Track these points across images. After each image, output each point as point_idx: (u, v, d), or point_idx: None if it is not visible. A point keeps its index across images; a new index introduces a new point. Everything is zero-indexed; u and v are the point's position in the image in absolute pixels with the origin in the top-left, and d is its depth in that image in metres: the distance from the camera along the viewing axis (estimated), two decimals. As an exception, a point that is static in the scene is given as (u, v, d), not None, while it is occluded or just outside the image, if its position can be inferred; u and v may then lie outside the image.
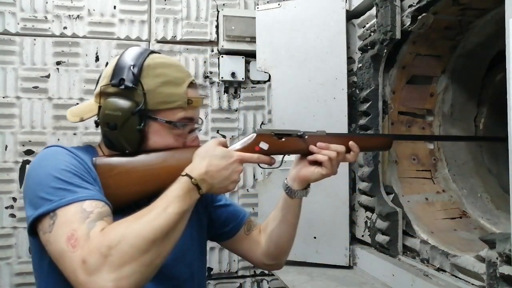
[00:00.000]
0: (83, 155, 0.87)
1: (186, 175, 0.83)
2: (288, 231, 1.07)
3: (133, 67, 0.88)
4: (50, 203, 0.75)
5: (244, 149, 0.94)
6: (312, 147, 0.97)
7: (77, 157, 0.84)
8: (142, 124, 0.88)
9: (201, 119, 1.00)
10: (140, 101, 0.87)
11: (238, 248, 1.14)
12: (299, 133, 0.99)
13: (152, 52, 0.95)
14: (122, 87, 0.87)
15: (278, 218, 1.06)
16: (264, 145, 0.95)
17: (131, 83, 0.87)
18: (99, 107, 0.89)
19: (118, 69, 0.89)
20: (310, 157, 0.99)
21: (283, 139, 0.97)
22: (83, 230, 0.72)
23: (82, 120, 0.93)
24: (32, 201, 0.79)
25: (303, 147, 0.98)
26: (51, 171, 0.79)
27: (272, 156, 0.97)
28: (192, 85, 0.95)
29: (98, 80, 0.95)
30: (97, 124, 0.92)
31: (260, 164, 0.96)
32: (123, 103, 0.87)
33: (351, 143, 0.99)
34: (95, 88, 0.94)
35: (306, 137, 0.98)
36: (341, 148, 0.97)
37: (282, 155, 1.00)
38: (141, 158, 0.90)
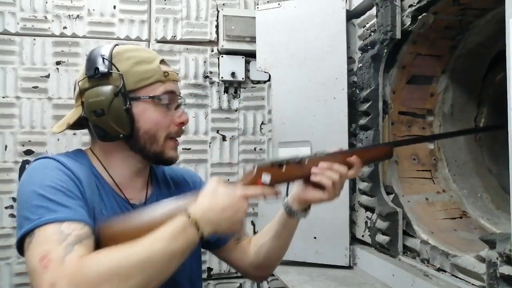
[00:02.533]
0: (72, 163, 0.85)
1: (185, 212, 0.79)
2: (280, 247, 1.06)
3: (103, 56, 0.89)
4: (29, 222, 0.74)
5: (246, 184, 0.90)
6: (314, 169, 0.93)
7: (66, 169, 0.83)
8: (128, 104, 0.87)
9: (183, 97, 0.99)
10: (119, 83, 0.87)
11: (227, 256, 1.13)
12: (298, 160, 0.94)
13: (117, 44, 0.96)
14: (98, 75, 0.88)
15: (271, 232, 1.05)
16: (266, 177, 0.91)
17: (106, 68, 0.88)
18: (82, 104, 0.89)
19: (90, 62, 0.90)
20: (313, 180, 0.93)
21: (284, 168, 0.93)
22: (58, 252, 0.70)
23: (69, 125, 0.92)
24: (18, 220, 0.78)
25: (305, 172, 0.94)
26: (35, 187, 0.78)
27: (276, 186, 0.92)
28: (163, 62, 0.95)
29: (75, 87, 0.95)
30: (86, 119, 0.91)
31: (266, 199, 0.92)
32: (104, 88, 0.87)
33: (353, 158, 0.95)
34: (74, 94, 0.95)
35: (306, 161, 0.94)
36: (343, 169, 0.93)
37: (286, 184, 0.96)
38: (146, 217, 0.84)
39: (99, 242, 0.80)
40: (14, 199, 1.86)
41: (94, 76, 0.88)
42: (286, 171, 0.92)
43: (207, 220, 0.79)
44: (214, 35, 2.08)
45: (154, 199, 0.97)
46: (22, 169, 1.87)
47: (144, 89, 0.90)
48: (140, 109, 0.89)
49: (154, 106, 0.90)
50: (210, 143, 2.07)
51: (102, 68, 0.88)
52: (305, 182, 0.98)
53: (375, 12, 1.54)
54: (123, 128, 0.88)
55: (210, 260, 2.02)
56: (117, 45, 0.95)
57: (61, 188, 0.78)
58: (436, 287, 1.19)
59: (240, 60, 2.07)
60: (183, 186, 1.07)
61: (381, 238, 1.52)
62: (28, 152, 1.88)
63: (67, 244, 0.71)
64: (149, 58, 0.92)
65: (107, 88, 0.87)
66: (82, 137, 1.92)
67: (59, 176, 0.80)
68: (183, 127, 0.98)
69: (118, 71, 0.88)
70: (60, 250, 0.70)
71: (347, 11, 1.74)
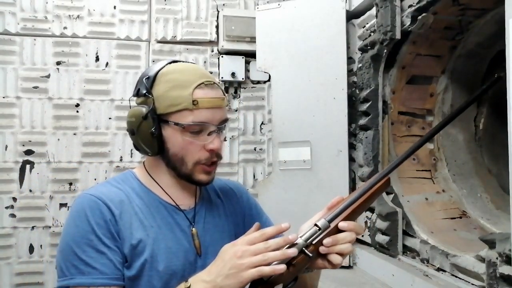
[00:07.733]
0: (110, 195, 0.88)
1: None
2: None
3: (147, 78, 0.92)
4: (63, 278, 0.82)
5: None
6: (322, 249, 0.80)
7: (99, 211, 0.85)
8: (154, 128, 0.89)
9: (225, 120, 0.94)
10: (151, 106, 0.90)
11: None
12: (303, 249, 0.78)
13: (175, 61, 0.96)
14: (138, 96, 0.93)
15: None
16: None
17: (144, 91, 0.91)
18: None
19: (138, 81, 0.95)
20: (328, 259, 0.81)
21: (290, 268, 0.77)
22: None
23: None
24: (57, 264, 0.86)
25: (313, 258, 0.80)
26: (70, 242, 0.84)
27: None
28: (202, 85, 0.92)
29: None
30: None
31: None
32: (137, 109, 0.91)
33: (345, 226, 0.82)
34: None
35: (311, 248, 0.79)
36: (350, 237, 0.82)
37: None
38: None
39: None
40: (14, 199, 1.86)
41: (136, 96, 0.93)
42: (293, 268, 0.78)
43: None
44: (214, 35, 2.08)
45: (203, 204, 1.00)
46: (22, 169, 1.87)
47: (174, 114, 0.90)
48: (169, 133, 0.91)
49: (181, 132, 0.90)
50: (210, 143, 2.06)
51: (142, 90, 0.91)
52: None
53: (375, 12, 1.55)
54: (150, 149, 0.92)
55: (210, 260, 2.02)
56: (173, 61, 0.96)
57: (91, 242, 0.84)
58: (436, 287, 1.20)
59: (240, 60, 2.07)
60: (230, 195, 1.08)
61: (381, 238, 1.52)
62: (28, 152, 1.88)
63: None
64: (186, 82, 0.90)
65: (139, 110, 0.90)
66: (82, 137, 1.92)
67: (90, 228, 0.85)
68: (217, 153, 0.93)
69: (152, 95, 0.90)
70: None
71: (347, 11, 1.75)
